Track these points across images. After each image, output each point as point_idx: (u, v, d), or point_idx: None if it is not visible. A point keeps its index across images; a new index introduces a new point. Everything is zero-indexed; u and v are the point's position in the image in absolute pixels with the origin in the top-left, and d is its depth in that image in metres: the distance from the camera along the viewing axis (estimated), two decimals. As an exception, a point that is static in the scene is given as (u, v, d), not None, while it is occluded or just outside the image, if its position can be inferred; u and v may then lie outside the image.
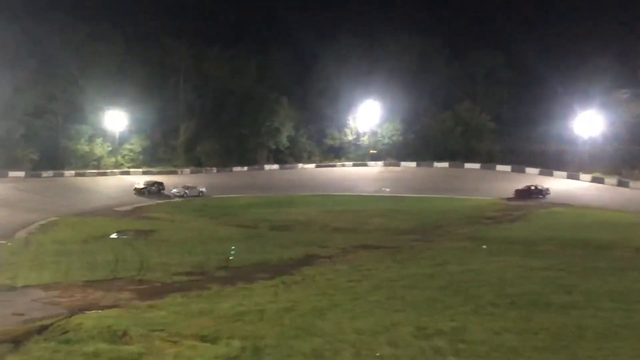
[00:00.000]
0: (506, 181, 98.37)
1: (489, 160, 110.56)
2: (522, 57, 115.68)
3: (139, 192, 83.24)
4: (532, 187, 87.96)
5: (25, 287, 38.24)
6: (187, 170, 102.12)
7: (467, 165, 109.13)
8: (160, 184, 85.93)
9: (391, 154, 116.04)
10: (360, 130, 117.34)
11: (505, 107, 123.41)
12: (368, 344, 30.27)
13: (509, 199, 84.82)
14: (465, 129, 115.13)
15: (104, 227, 59.21)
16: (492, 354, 29.19)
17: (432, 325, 32.95)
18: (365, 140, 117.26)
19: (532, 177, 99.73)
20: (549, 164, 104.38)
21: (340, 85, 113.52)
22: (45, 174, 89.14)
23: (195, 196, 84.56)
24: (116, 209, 73.90)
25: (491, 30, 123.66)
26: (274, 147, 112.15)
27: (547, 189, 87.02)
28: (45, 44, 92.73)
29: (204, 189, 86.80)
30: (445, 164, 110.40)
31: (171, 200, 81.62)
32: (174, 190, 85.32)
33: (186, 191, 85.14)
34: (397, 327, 32.69)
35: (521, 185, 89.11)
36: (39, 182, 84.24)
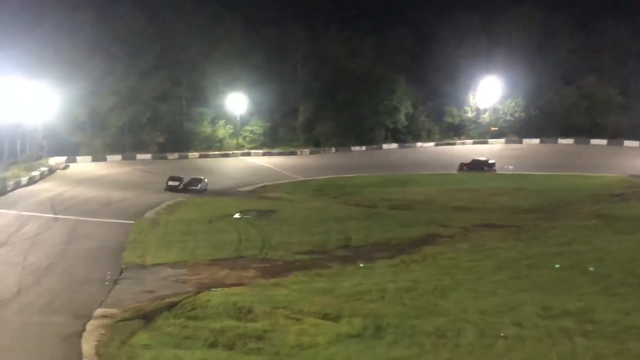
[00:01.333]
0: (635, 157, 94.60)
1: (616, 135, 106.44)
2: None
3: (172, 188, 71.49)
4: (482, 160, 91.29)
5: (154, 265, 39.64)
6: (307, 150, 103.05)
7: (593, 141, 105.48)
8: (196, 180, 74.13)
9: (513, 130, 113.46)
10: (481, 107, 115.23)
11: (632, 80, 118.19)
12: (492, 324, 29.82)
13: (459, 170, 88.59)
14: (590, 103, 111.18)
15: (227, 207, 60.60)
16: (622, 335, 28.19)
17: (558, 305, 32.15)
18: (485, 117, 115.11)
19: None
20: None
21: (459, 62, 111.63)
22: (170, 156, 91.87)
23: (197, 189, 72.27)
24: (238, 189, 75.48)
25: (617, 0, 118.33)
26: (392, 126, 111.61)
27: (493, 162, 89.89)
28: (168, 29, 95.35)
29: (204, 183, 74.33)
30: (570, 140, 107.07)
31: (289, 180, 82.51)
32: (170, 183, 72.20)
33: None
34: (521, 307, 32.06)
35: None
36: (165, 164, 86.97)
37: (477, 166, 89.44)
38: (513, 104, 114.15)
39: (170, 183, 71.73)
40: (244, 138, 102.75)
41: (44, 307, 30.33)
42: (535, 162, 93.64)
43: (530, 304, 32.42)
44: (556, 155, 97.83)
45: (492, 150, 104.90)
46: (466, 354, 26.26)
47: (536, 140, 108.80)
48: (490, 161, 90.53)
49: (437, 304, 32.66)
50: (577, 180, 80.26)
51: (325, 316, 30.53)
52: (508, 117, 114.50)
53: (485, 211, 61.74)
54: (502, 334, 28.51)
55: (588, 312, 31.15)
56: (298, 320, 29.88)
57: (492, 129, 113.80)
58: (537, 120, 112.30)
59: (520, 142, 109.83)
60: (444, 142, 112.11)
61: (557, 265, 28.76)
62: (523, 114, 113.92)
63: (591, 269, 28.65)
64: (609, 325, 29.57)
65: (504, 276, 37.65)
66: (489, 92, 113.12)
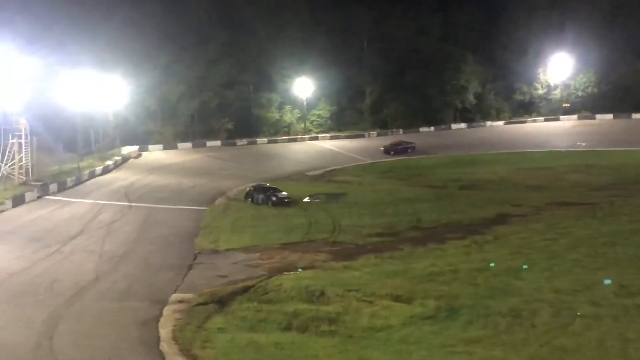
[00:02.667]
0: None
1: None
2: None
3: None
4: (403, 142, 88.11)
5: (227, 250, 40.21)
6: (374, 133, 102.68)
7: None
8: None
9: (585, 106, 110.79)
10: (551, 84, 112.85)
11: None
12: (568, 304, 29.39)
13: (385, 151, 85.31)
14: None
15: (296, 191, 60.89)
16: None
17: (635, 283, 31.48)
18: (557, 93, 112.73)
19: None
20: None
21: (528, 38, 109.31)
22: (239, 142, 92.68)
23: None
24: (307, 173, 75.76)
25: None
26: (460, 105, 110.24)
27: (413, 144, 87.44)
28: (235, 16, 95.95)
29: None
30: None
31: (357, 163, 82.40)
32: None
33: None
34: (598, 285, 31.50)
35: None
36: (234, 150, 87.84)
37: (400, 149, 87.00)
38: (585, 79, 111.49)
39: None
40: (311, 122, 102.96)
41: (121, 293, 31.08)
42: (609, 138, 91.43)
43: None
44: (630, 130, 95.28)
45: (564, 127, 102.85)
46: (542, 334, 25.95)
47: (609, 116, 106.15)
48: (412, 144, 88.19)
49: (511, 284, 32.33)
50: (652, 156, 78.16)
51: (397, 298, 30.53)
52: (580, 93, 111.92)
53: (558, 189, 60.64)
54: (578, 313, 28.08)
55: (667, 290, 30.45)
56: (370, 302, 29.95)
57: (564, 105, 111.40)
58: (610, 95, 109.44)
59: (593, 118, 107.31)
60: (514, 120, 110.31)
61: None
62: (595, 90, 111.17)
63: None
64: (688, 303, 28.86)
65: (579, 255, 37.00)
66: (559, 68, 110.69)
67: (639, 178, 64.21)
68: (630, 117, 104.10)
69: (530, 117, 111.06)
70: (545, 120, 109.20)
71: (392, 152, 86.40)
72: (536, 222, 45.69)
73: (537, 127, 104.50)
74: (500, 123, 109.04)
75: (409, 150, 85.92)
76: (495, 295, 30.54)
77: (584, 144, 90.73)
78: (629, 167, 71.14)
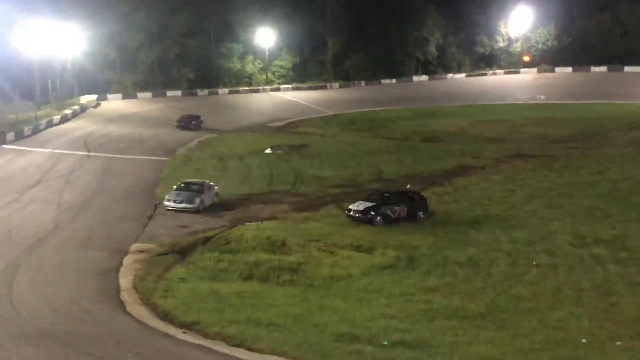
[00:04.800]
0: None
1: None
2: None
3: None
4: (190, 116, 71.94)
5: (188, 201, 39.95)
6: (336, 84, 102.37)
7: (627, 69, 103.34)
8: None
9: (545, 60, 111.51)
10: (512, 36, 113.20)
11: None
12: (524, 253, 29.98)
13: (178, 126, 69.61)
14: (624, 30, 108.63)
15: (258, 142, 60.77)
16: (656, 263, 28.22)
17: (591, 233, 32.20)
18: (517, 46, 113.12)
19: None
20: None
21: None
22: (200, 92, 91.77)
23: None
24: (269, 124, 75.52)
25: None
26: (422, 57, 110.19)
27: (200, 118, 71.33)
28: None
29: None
30: (604, 68, 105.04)
31: (319, 115, 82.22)
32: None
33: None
34: (554, 235, 32.17)
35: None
36: (195, 100, 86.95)
37: (186, 123, 69.75)
38: (545, 32, 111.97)
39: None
40: (273, 73, 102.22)
41: (81, 243, 30.88)
42: (568, 91, 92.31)
43: (563, 233, 32.51)
44: (589, 83, 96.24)
45: (524, 80, 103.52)
46: (499, 283, 26.46)
47: (569, 69, 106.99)
48: (199, 117, 71.10)
49: (469, 234, 32.83)
50: (611, 109, 79.12)
51: (358, 248, 30.86)
52: (540, 46, 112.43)
53: (518, 141, 61.31)
54: (534, 263, 28.65)
55: (621, 240, 31.22)
56: (331, 252, 30.22)
57: (524, 58, 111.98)
58: (570, 49, 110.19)
59: (553, 71, 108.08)
60: (475, 73, 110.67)
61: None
62: (555, 43, 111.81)
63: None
64: (642, 253, 29.58)
65: (537, 206, 37.70)
66: (520, 20, 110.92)
67: (596, 131, 65.17)
68: (589, 70, 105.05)
69: (491, 70, 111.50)
70: (506, 73, 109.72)
71: (180, 126, 69.14)
72: (495, 174, 46.29)
73: (497, 80, 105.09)
74: (462, 75, 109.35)
75: (193, 123, 69.37)
76: (453, 246, 31.03)
77: (543, 96, 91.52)
78: (587, 120, 72.07)
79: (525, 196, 39.96)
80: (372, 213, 34.73)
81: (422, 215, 36.00)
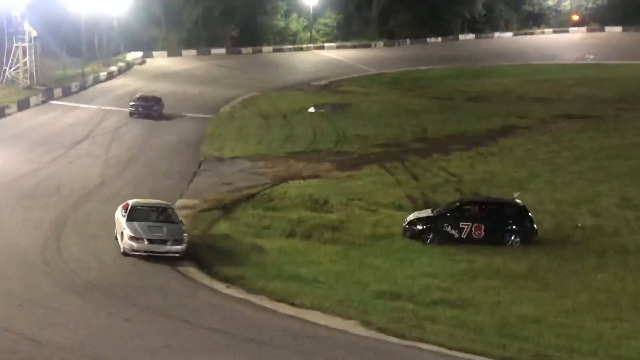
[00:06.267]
0: None
1: None
2: None
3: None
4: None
5: (232, 158, 40.33)
6: (381, 43, 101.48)
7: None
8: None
9: (594, 18, 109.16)
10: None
11: None
12: (569, 215, 29.77)
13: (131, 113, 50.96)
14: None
15: (301, 101, 60.67)
16: None
17: (637, 195, 31.85)
18: (566, 5, 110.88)
19: None
20: None
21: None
22: (244, 50, 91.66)
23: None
24: (312, 83, 75.30)
25: None
26: (469, 15, 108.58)
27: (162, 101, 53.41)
28: None
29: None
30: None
31: (363, 74, 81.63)
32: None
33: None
34: (600, 197, 31.88)
35: None
36: (239, 58, 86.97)
37: (145, 109, 50.95)
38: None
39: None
40: (317, 31, 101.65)
41: (127, 198, 31.27)
42: (618, 51, 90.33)
43: (609, 195, 32.20)
44: (638, 42, 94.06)
45: (573, 39, 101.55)
46: (542, 243, 26.31)
47: (618, 28, 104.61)
48: (160, 100, 53.05)
49: (513, 195, 32.57)
50: (661, 69, 77.41)
51: (400, 207, 30.85)
52: (590, 5, 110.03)
53: (565, 102, 60.36)
54: (579, 224, 28.43)
55: (669, 203, 30.80)
56: (373, 211, 30.29)
57: (573, 17, 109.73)
58: (620, 7, 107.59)
59: (602, 31, 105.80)
60: (522, 31, 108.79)
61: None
62: (606, 1, 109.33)
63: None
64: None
65: (583, 167, 37.29)
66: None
67: (645, 92, 63.86)
68: (639, 29, 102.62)
69: (539, 29, 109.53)
70: (554, 32, 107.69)
71: (137, 113, 50.75)
72: (541, 135, 45.74)
73: (545, 39, 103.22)
74: (509, 34, 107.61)
75: (155, 109, 51.36)
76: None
77: (592, 56, 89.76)
78: (636, 80, 70.57)
79: (571, 157, 39.49)
80: (419, 227, 27.08)
81: (515, 240, 26.57)
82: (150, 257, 23.13)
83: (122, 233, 23.61)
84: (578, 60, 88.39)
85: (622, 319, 19.60)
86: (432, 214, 27.47)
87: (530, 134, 46.07)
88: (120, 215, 24.55)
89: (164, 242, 23.41)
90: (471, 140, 44.72)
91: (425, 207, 30.19)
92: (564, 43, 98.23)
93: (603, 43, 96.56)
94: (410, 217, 27.69)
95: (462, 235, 26.67)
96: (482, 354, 16.62)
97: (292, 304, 19.79)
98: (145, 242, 23.20)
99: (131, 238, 23.16)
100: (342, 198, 31.47)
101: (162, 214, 24.92)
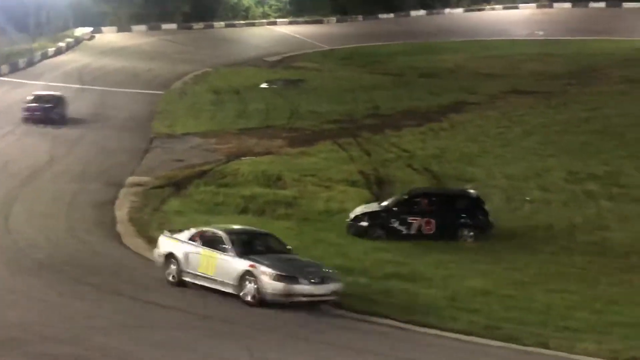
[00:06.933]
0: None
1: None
2: None
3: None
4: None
5: (183, 134, 40.03)
6: (333, 19, 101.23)
7: (626, 5, 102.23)
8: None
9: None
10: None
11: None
12: (519, 189, 30.25)
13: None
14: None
15: (254, 77, 60.31)
16: (649, 198, 28.56)
17: (585, 169, 32.48)
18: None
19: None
20: None
21: None
22: (196, 25, 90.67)
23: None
24: (265, 59, 74.87)
25: None
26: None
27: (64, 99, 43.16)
28: None
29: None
30: (602, 4, 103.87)
31: (316, 50, 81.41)
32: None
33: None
34: (548, 172, 32.42)
35: None
36: (190, 34, 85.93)
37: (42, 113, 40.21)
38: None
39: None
40: (270, 7, 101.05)
41: (76, 176, 30.97)
42: (567, 26, 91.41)
43: (557, 169, 32.77)
44: (589, 18, 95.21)
45: (522, 15, 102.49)
46: (493, 218, 26.65)
47: (568, 4, 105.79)
48: (62, 99, 42.89)
49: (465, 170, 32.98)
50: (608, 45, 78.44)
51: (353, 183, 31.02)
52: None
53: (514, 77, 60.92)
54: (528, 198, 28.90)
55: (614, 176, 31.57)
56: (327, 187, 30.39)
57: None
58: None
59: (552, 7, 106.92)
60: (472, 7, 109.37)
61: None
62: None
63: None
64: (635, 189, 29.99)
65: (532, 142, 37.84)
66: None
67: (593, 67, 64.80)
68: (587, 5, 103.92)
69: (489, 5, 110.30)
70: (504, 8, 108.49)
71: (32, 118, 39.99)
72: (491, 110, 46.20)
73: (495, 15, 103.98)
74: (459, 10, 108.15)
75: (56, 111, 40.76)
76: (448, 181, 31.20)
77: (541, 32, 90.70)
78: (584, 56, 71.52)
79: (521, 132, 40.00)
80: (364, 224, 24.96)
81: (468, 235, 24.98)
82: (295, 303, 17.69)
83: (245, 275, 17.44)
84: (528, 36, 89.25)
85: (569, 290, 20.02)
86: (377, 209, 25.54)
87: (481, 110, 46.49)
88: (200, 250, 18.61)
89: (322, 280, 17.84)
90: (423, 116, 44.96)
91: (377, 182, 30.41)
92: (514, 19, 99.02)
93: (552, 19, 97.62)
94: (357, 211, 25.54)
95: (410, 232, 24.83)
96: (434, 327, 16.91)
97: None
98: (305, 283, 17.49)
99: (280, 278, 17.23)
100: (295, 174, 31.51)
101: (266, 243, 19.48)
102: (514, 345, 16.07)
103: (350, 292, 18.69)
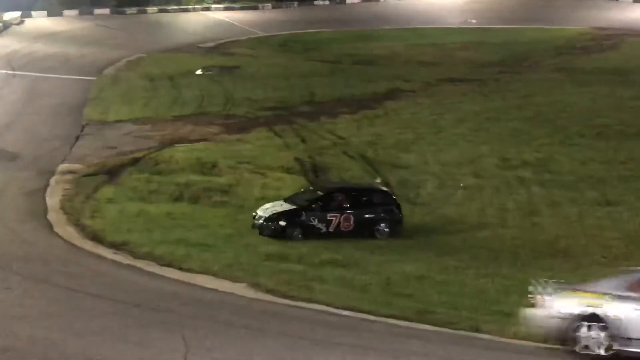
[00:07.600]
0: (599, 9, 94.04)
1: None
2: None
3: None
4: None
5: (116, 121, 39.41)
6: (268, 5, 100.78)
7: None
8: None
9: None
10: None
11: None
12: (452, 175, 30.69)
13: None
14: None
15: (189, 63, 59.68)
16: (578, 184, 29.40)
17: (517, 156, 33.10)
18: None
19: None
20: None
21: None
22: (129, 10, 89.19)
23: None
24: (200, 45, 74.13)
25: None
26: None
27: None
28: None
29: None
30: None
31: (251, 36, 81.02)
32: None
33: None
34: (481, 158, 32.95)
35: None
36: (123, 19, 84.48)
37: None
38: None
39: None
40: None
41: (6, 163, 30.29)
42: (500, 15, 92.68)
43: (490, 156, 33.33)
44: (521, 7, 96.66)
45: (456, 3, 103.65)
46: (427, 204, 27.03)
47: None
48: None
49: (399, 157, 33.32)
50: (541, 34, 79.90)
51: (289, 170, 31.05)
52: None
53: (448, 65, 61.63)
54: (461, 185, 29.34)
55: (546, 163, 32.27)
56: (262, 174, 30.35)
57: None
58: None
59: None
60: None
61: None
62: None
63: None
64: (566, 175, 30.73)
65: (465, 129, 38.37)
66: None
67: (526, 55, 66.00)
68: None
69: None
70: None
71: None
72: (425, 98, 46.68)
73: (430, 3, 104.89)
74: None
75: None
76: (383, 168, 31.48)
77: (474, 20, 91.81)
78: (517, 44, 72.72)
79: (454, 120, 40.52)
80: (282, 224, 23.44)
81: (384, 229, 24.33)
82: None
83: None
84: (462, 24, 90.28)
85: (501, 274, 20.44)
86: (295, 207, 24.01)
87: (415, 97, 46.92)
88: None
89: None
90: (358, 103, 45.15)
91: (313, 169, 30.50)
92: (448, 7, 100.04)
93: (486, 7, 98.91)
94: (267, 210, 23.89)
95: (329, 229, 23.77)
96: (368, 312, 17.06)
97: (180, 269, 19.74)
98: None
99: None
100: (231, 161, 31.38)
101: None
102: (447, 330, 16.26)
103: (286, 279, 18.76)
